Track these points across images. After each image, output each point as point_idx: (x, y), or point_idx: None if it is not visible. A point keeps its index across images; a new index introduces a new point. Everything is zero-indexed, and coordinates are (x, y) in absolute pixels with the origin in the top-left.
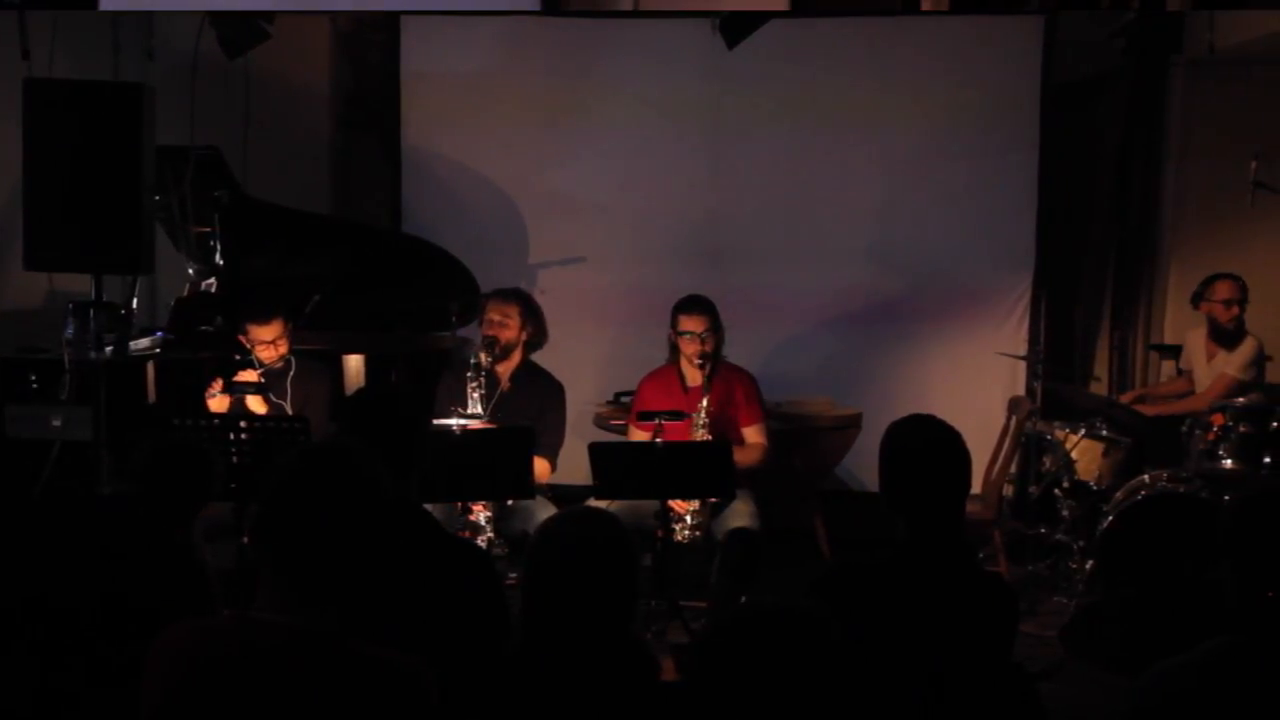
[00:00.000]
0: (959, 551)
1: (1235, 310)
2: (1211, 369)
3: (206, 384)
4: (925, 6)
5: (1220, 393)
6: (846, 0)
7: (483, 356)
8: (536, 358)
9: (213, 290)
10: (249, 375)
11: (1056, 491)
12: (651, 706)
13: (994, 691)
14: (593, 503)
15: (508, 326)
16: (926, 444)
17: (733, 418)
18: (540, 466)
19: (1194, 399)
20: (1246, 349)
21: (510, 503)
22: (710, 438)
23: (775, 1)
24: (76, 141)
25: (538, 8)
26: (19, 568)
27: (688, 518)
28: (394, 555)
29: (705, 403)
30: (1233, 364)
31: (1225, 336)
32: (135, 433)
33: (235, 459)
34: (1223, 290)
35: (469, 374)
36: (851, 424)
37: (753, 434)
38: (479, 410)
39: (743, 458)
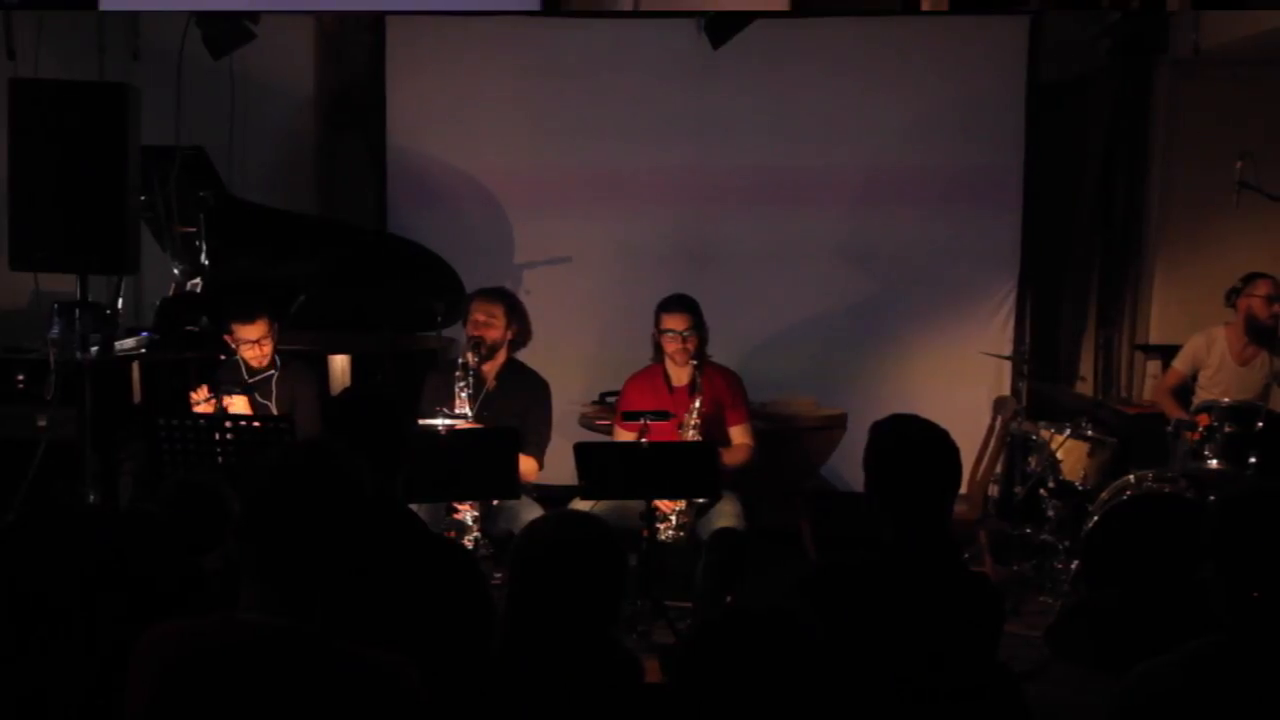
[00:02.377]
0: (944, 552)
1: (1276, 307)
2: (1247, 374)
3: (192, 385)
4: (925, 7)
5: None
6: (847, 0)
7: (470, 357)
8: (522, 357)
9: (198, 290)
10: (239, 407)
11: (1042, 491)
12: (634, 708)
13: (979, 691)
14: (578, 503)
15: (493, 326)
16: (912, 444)
17: (719, 417)
18: (527, 465)
19: None
20: None
21: (496, 503)
22: (700, 438)
23: (776, 1)
24: (62, 142)
25: (538, 8)
26: (31, 573)
27: (673, 517)
28: (378, 555)
29: (698, 404)
30: None
31: (1264, 335)
32: (121, 432)
33: (221, 460)
34: (1264, 286)
35: (457, 374)
36: (836, 424)
37: (739, 434)
38: (467, 411)
39: (729, 458)
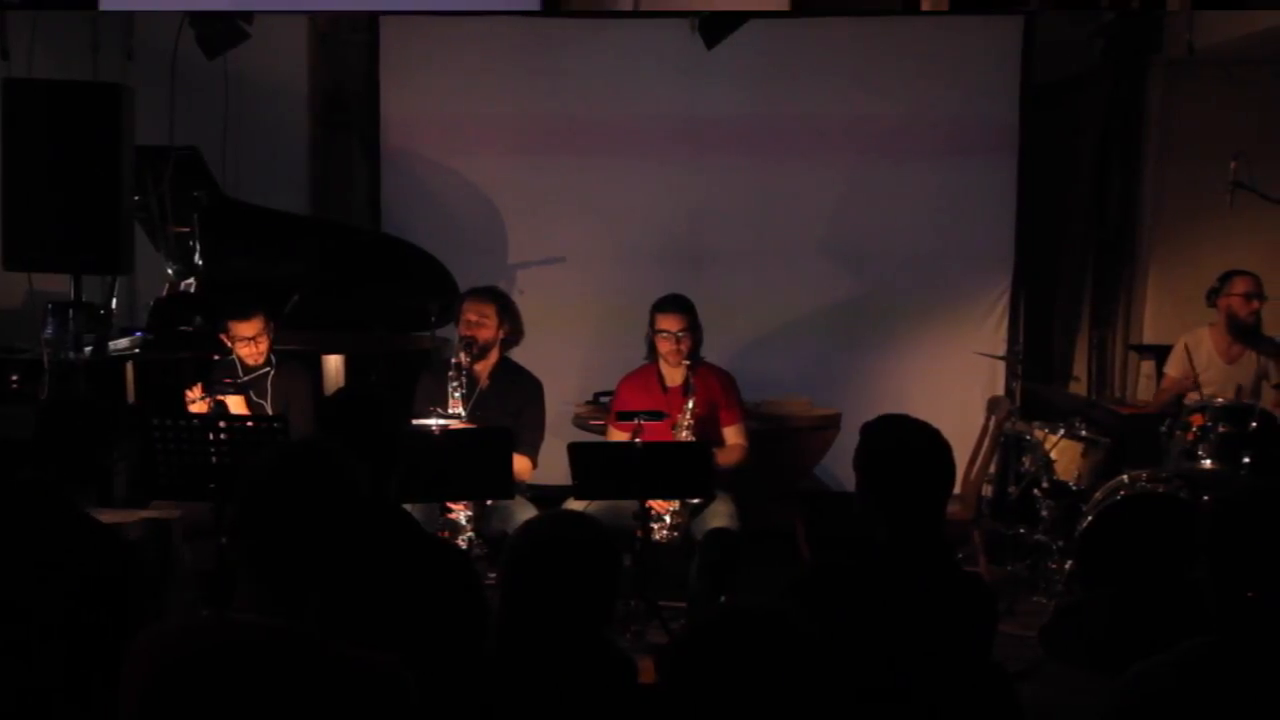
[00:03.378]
0: (938, 552)
1: (1255, 304)
2: (1235, 371)
3: (187, 385)
4: (925, 6)
5: None
6: (847, 0)
7: (462, 356)
8: (516, 356)
9: (192, 290)
10: (235, 406)
11: (1036, 491)
12: (628, 707)
13: (973, 691)
14: (572, 503)
15: (485, 326)
16: (904, 444)
17: (713, 418)
18: (521, 464)
19: None
20: None
21: (490, 502)
22: (694, 439)
23: (776, 1)
24: (56, 141)
25: (538, 8)
26: None
27: (667, 517)
28: (372, 555)
29: (691, 404)
30: None
31: (1247, 332)
32: (115, 431)
33: (215, 459)
34: (1242, 284)
35: (450, 374)
36: (830, 424)
37: (733, 434)
38: (460, 410)
39: (724, 459)
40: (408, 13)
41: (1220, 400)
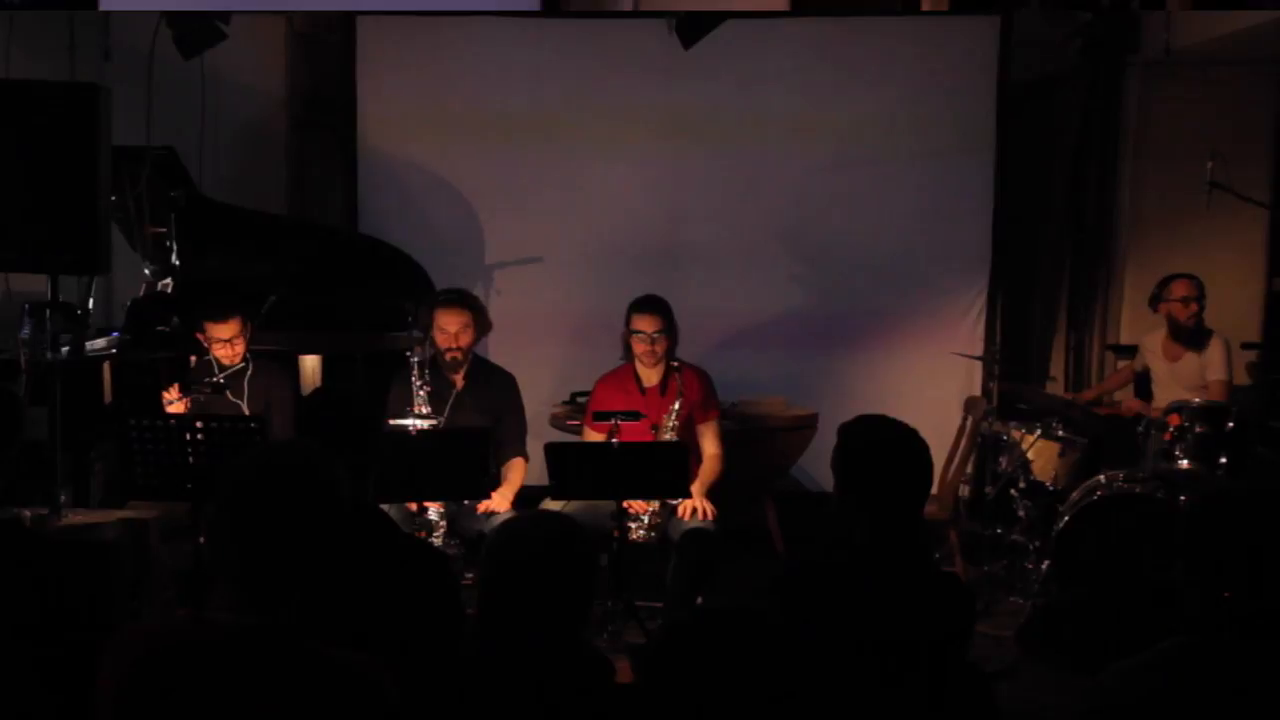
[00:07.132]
0: (915, 552)
1: (1194, 307)
2: (1178, 370)
3: (164, 385)
4: (925, 7)
5: (1225, 399)
6: (848, 0)
7: (419, 352)
8: (495, 358)
9: (169, 291)
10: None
11: (1013, 492)
12: (605, 708)
13: (950, 691)
14: (549, 503)
15: (466, 333)
16: (882, 444)
17: (691, 418)
18: (519, 466)
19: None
20: (1220, 350)
21: (465, 502)
22: (678, 439)
23: (776, 1)
24: (32, 142)
25: (537, 8)
26: None
27: (644, 517)
28: (351, 556)
29: (677, 405)
30: (1220, 369)
31: (1187, 336)
32: (92, 432)
33: (192, 459)
34: (1180, 288)
35: (414, 375)
36: (807, 424)
37: (708, 434)
38: (427, 410)
39: (706, 476)
40: (399, 13)
41: (1197, 400)
